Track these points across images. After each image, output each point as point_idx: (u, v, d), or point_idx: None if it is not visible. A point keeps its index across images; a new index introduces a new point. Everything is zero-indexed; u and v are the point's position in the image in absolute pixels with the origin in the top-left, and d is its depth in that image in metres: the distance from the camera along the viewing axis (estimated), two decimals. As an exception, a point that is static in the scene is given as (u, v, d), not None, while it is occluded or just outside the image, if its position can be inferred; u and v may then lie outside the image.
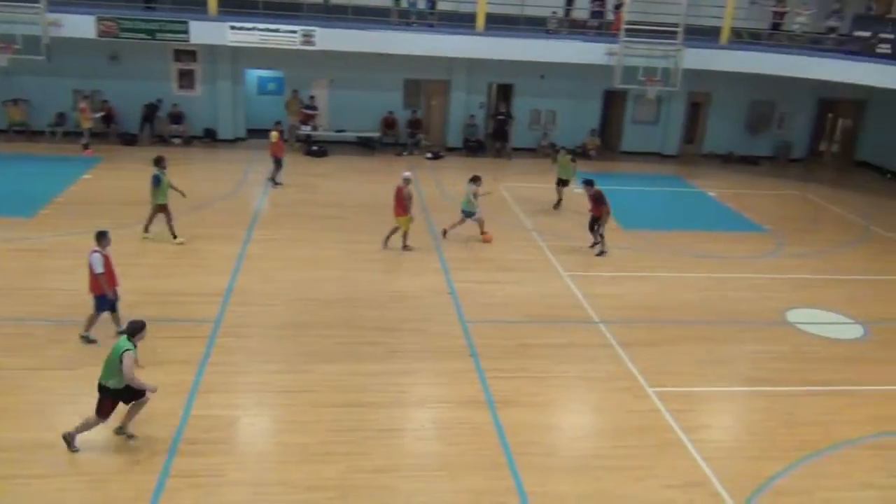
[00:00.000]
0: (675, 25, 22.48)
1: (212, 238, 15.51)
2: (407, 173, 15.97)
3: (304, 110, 23.91)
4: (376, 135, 24.28)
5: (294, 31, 21.58)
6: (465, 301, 13.41)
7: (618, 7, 23.88)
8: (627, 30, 22.40)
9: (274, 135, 19.74)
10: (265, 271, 14.15)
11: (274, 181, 19.67)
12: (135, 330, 8.69)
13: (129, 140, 23.07)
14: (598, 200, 16.04)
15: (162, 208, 15.04)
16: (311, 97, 24.03)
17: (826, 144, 28.11)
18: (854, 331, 13.39)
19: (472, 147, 24.74)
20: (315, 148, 23.19)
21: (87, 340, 10.98)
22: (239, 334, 11.69)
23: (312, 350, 11.38)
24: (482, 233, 16.43)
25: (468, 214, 16.26)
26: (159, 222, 15.12)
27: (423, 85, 25.12)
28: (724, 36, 23.66)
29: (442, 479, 8.69)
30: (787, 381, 11.43)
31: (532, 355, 11.69)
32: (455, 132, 25.17)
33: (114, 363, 8.45)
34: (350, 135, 24.32)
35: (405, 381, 10.73)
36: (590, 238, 16.32)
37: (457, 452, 9.18)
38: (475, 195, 16.17)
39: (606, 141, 26.20)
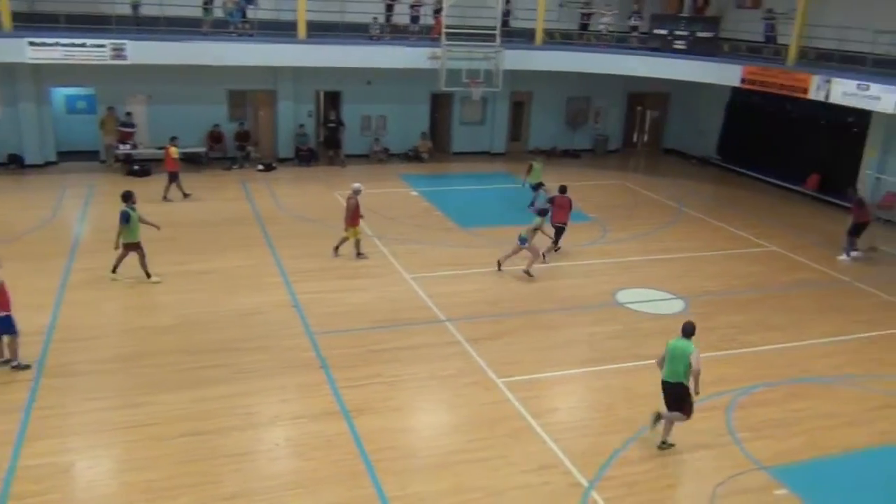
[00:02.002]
0: (493, 28, 23.31)
1: (27, 272, 14.22)
2: (356, 185, 15.94)
3: (121, 128, 22.54)
4: (202, 150, 23.34)
5: (102, 45, 20.24)
6: (310, 312, 13.20)
7: (437, 12, 24.42)
8: (447, 34, 22.95)
9: (173, 150, 19.37)
10: (90, 303, 13.21)
11: (165, 197, 19.50)
12: None
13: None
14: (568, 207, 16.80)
15: (133, 247, 14.03)
16: (128, 114, 22.69)
17: (638, 135, 30.24)
18: (676, 305, 14.49)
19: (305, 156, 24.39)
20: (136, 168, 21.92)
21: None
22: (66, 373, 10.84)
23: (149, 381, 10.75)
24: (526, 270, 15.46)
25: (523, 242, 15.35)
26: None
27: (249, 96, 24.44)
28: (538, 37, 24.83)
29: (301, 497, 8.50)
30: (622, 358, 12.18)
31: (383, 360, 11.70)
32: (286, 142, 24.70)
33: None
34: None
35: (253, 401, 10.39)
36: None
37: (314, 467, 9.02)
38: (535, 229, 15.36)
39: (437, 143, 26.71)
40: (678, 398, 9.46)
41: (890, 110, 18.45)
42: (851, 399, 11.32)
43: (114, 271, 14.25)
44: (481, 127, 27.13)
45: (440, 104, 26.63)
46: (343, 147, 24.82)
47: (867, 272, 16.77)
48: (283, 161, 24.35)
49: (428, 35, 24.51)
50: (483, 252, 16.72)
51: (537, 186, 20.40)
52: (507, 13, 25.30)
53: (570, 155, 27.77)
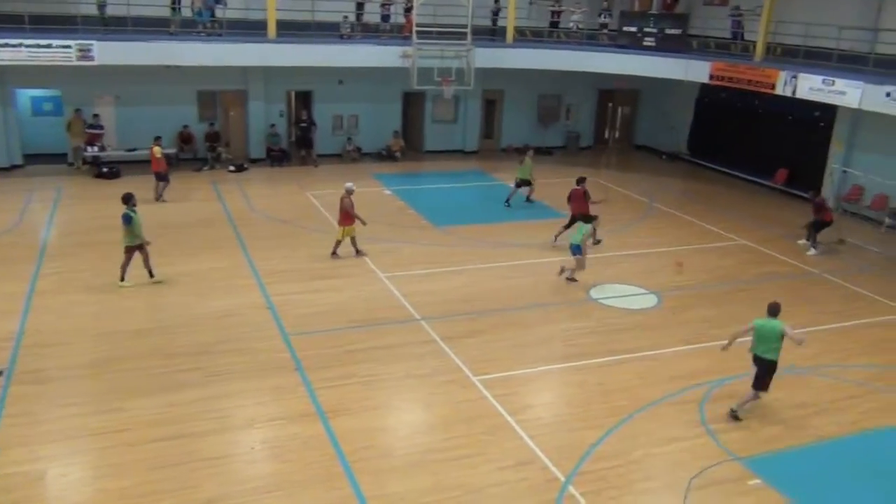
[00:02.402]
0: (464, 26, 23.34)
1: (-7, 277, 14.01)
2: (349, 184, 15.89)
3: (89, 130, 22.21)
4: (172, 151, 23.07)
5: (68, 46, 19.93)
6: (284, 314, 13.13)
7: (407, 10, 24.39)
8: (419, 32, 22.95)
9: (157, 150, 19.35)
10: (60, 307, 13.02)
11: (159, 197, 19.52)
12: None
13: None
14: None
15: (136, 248, 13.83)
16: (96, 115, 22.36)
17: (609, 132, 30.45)
18: (649, 300, 14.63)
19: (277, 157, 24.23)
20: (105, 170, 21.61)
21: None
22: (37, 380, 10.67)
23: (123, 385, 10.62)
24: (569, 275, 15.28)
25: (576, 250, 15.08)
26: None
27: (220, 96, 24.21)
28: (509, 35, 24.91)
29: (278, 499, 8.46)
30: (596, 353, 12.27)
31: (358, 360, 11.68)
32: (257, 143, 24.51)
33: None
34: (143, 153, 22.89)
35: (229, 404, 10.32)
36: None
37: (291, 470, 8.98)
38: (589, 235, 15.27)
39: (410, 141, 26.69)
40: (768, 372, 10.31)
41: (855, 105, 18.79)
42: (823, 389, 11.52)
43: (122, 279, 13.96)
44: (454, 125, 27.16)
45: (412, 103, 26.61)
46: (315, 147, 24.71)
47: (835, 264, 17.07)
48: (254, 162, 24.18)
49: (399, 34, 24.48)
50: (457, 250, 16.75)
51: (522, 183, 20.46)
52: (496, 11, 25.50)
53: (543, 152, 27.80)
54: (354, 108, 25.56)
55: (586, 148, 29.11)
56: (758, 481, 9.13)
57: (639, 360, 12.13)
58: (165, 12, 22.10)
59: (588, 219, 15.72)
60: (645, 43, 24.14)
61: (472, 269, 15.71)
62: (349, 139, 25.47)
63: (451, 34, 23.37)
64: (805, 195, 19.36)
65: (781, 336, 10.08)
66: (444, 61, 23.34)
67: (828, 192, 20.94)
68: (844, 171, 20.91)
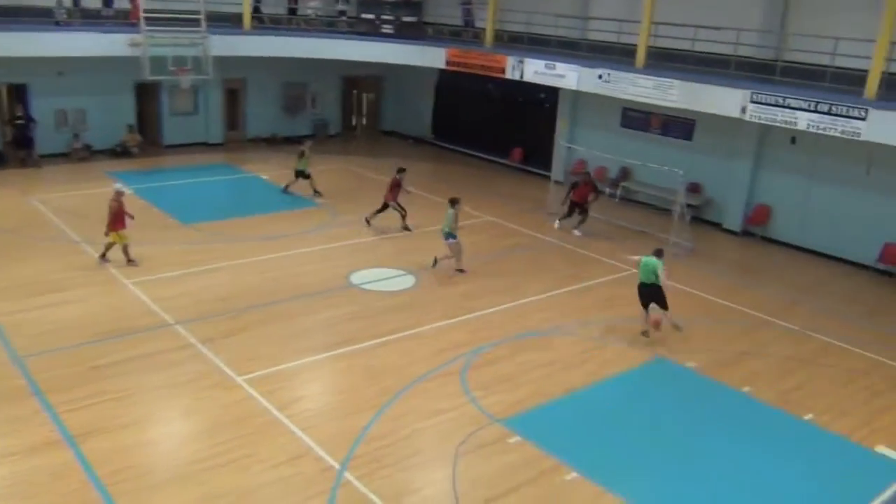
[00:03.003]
0: (197, 13, 22.21)
1: None
2: (118, 185, 14.78)
3: None
4: None
5: None
6: (14, 335, 11.72)
7: (130, -5, 22.69)
8: (147, 19, 21.44)
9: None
10: None
11: None
12: None
13: None
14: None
15: None
16: None
17: (356, 119, 30.77)
18: (407, 281, 15.09)
19: (-11, 159, 21.49)
20: None
21: None
22: None
23: None
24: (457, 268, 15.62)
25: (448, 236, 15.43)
26: None
27: None
28: (246, 22, 24.15)
29: (25, 541, 7.60)
30: (361, 338, 12.43)
31: (108, 375, 10.78)
32: (-38, 145, 21.55)
33: None
34: None
35: (-47, 444, 9.05)
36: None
37: (38, 505, 8.10)
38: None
39: (147, 136, 24.95)
40: (654, 295, 12.59)
41: (573, 86, 20.73)
42: (565, 346, 12.67)
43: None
44: (194, 117, 25.83)
45: (147, 94, 24.84)
46: (36, 146, 22.20)
47: (570, 233, 18.75)
48: (-39, 166, 21.24)
49: (126, 20, 22.68)
50: (209, 248, 16.03)
51: (300, 174, 20.00)
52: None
53: (292, 142, 27.45)
54: (80, 102, 23.29)
55: (335, 135, 29.18)
56: (517, 438, 9.83)
57: (402, 339, 12.49)
58: None
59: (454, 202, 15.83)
60: (383, 30, 24.66)
61: (227, 266, 15.14)
62: (76, 136, 23.21)
63: (184, 21, 22.12)
64: (541, 171, 21.00)
65: (656, 270, 12.42)
66: (178, 49, 22.04)
67: (557, 167, 22.91)
68: (569, 148, 23.01)
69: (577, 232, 18.60)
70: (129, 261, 14.74)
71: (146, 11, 21.53)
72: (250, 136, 27.19)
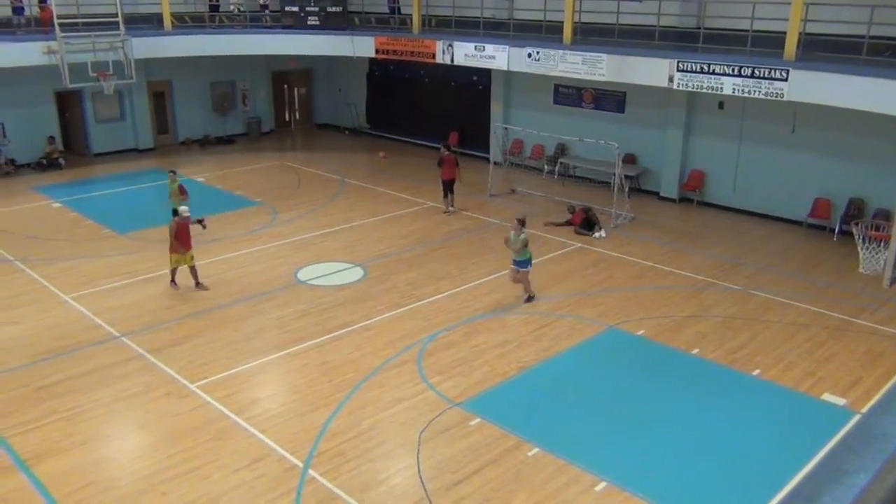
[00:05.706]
0: (114, 15, 21.50)
1: None
2: (183, 207, 13.95)
3: None
4: None
5: None
6: (-50, 363, 11.29)
7: (43, 1, 21.83)
8: (62, 25, 20.67)
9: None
10: None
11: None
12: None
13: None
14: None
15: None
16: None
17: (290, 114, 30.35)
18: (355, 273, 15.01)
19: None
20: None
21: None
22: None
23: None
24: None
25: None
26: None
27: None
28: (167, 21, 23.51)
29: (-17, 573, 7.36)
30: (313, 334, 12.33)
31: (56, 395, 10.46)
32: None
33: None
34: None
35: None
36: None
37: (-7, 535, 7.85)
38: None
39: (74, 145, 24.17)
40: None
41: (504, 67, 20.80)
42: (518, 325, 12.80)
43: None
44: (121, 123, 25.11)
45: (69, 103, 24.05)
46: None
47: (510, 213, 18.86)
48: None
49: (38, 27, 21.83)
50: (148, 255, 15.65)
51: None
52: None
53: (225, 142, 27.01)
54: (-3, 116, 22.43)
55: (269, 133, 28.74)
56: (478, 420, 9.91)
57: (355, 332, 12.43)
58: None
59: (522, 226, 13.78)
60: (309, 22, 24.30)
61: (169, 273, 14.78)
62: (-3, 151, 22.36)
63: (101, 24, 21.40)
64: (478, 153, 21.02)
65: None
66: (97, 54, 21.34)
67: (495, 148, 23.03)
68: (505, 129, 23.14)
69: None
70: (172, 282, 14.20)
71: (60, 17, 20.73)
72: (181, 138, 26.57)
